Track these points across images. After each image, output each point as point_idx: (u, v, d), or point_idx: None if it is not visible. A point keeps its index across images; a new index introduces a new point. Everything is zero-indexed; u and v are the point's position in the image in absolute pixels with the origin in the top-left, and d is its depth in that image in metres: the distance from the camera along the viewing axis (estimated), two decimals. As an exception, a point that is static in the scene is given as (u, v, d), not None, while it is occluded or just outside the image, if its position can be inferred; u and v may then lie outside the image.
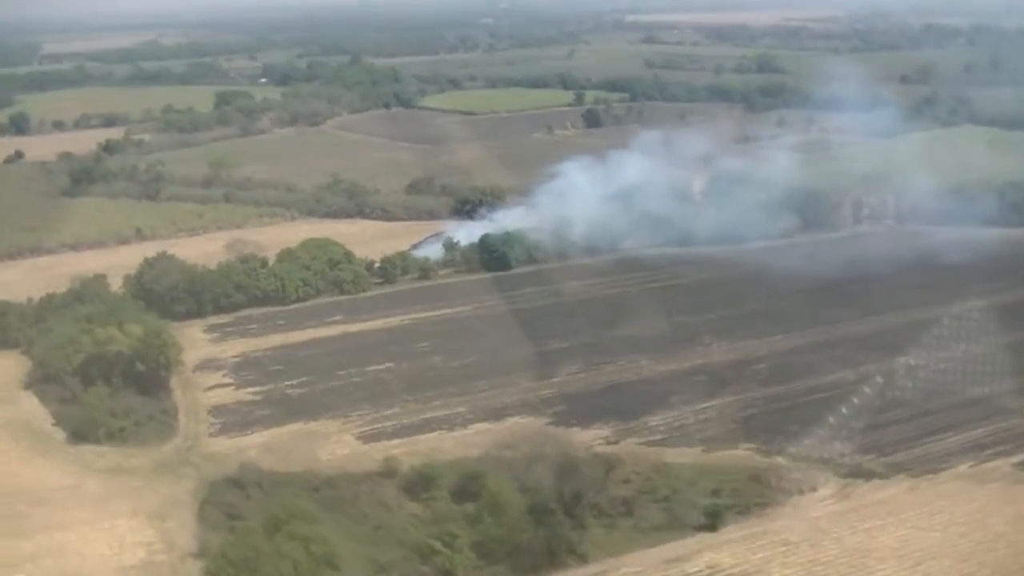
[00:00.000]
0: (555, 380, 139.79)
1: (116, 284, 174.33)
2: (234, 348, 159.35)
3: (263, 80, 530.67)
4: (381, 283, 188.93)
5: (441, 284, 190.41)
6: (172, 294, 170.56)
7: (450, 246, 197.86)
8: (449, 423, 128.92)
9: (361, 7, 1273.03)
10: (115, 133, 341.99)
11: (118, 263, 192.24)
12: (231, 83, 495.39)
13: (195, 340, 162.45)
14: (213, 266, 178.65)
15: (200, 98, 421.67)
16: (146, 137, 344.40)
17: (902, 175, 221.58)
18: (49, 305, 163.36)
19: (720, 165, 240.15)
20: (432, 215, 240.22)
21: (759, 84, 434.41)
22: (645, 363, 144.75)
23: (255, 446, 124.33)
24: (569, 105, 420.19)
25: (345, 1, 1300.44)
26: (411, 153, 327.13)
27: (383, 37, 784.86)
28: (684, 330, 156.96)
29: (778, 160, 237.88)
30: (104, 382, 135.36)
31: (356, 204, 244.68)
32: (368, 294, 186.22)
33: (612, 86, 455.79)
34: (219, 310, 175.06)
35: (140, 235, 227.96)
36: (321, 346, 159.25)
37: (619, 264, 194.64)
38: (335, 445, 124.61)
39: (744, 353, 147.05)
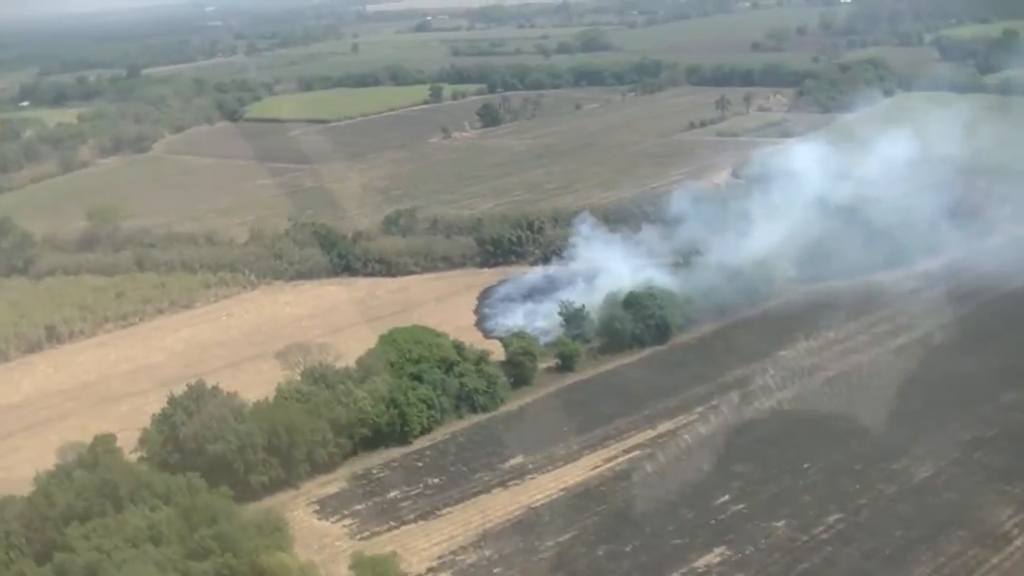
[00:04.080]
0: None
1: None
2: (418, 550, 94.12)
3: (25, 103, 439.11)
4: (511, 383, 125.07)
5: (599, 376, 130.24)
6: (243, 456, 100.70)
7: (572, 315, 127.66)
8: None
9: (59, 20, 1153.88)
10: None
11: (58, 387, 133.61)
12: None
13: (319, 536, 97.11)
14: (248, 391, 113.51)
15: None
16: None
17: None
18: (49, 508, 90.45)
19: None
20: (451, 262, 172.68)
21: (629, 64, 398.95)
22: None
23: None
24: (426, 102, 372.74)
25: (37, 14, 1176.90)
26: (296, 176, 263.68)
27: (130, 48, 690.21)
28: None
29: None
30: None
31: (337, 256, 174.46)
32: (509, 408, 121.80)
33: (453, 77, 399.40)
34: (316, 469, 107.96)
35: (55, 336, 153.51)
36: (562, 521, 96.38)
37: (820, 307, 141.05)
38: None
39: None
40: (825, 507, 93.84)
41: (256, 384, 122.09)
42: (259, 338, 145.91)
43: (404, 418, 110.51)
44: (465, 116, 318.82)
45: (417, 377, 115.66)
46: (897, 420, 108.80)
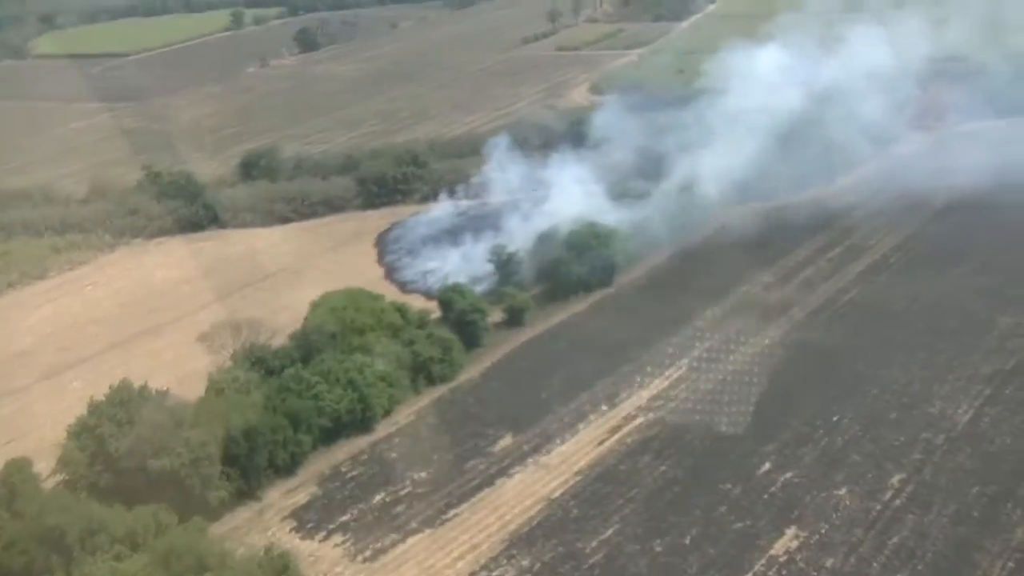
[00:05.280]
0: None
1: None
2: (441, 569, 78.79)
3: None
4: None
5: (554, 329, 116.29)
6: (198, 470, 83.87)
7: (506, 261, 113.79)
8: None
9: None
10: None
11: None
12: None
13: (312, 563, 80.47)
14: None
15: None
16: None
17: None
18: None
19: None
20: (330, 206, 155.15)
21: None
22: None
23: None
24: (228, 30, 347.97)
25: None
26: (114, 117, 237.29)
27: None
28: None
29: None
30: None
31: (202, 208, 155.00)
32: (469, 375, 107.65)
33: (249, 1, 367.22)
34: (276, 474, 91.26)
35: None
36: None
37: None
38: None
39: None
40: (881, 467, 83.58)
41: (158, 370, 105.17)
42: (138, 310, 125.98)
43: (365, 402, 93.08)
44: (277, 42, 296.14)
45: (368, 351, 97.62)
46: (905, 358, 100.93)
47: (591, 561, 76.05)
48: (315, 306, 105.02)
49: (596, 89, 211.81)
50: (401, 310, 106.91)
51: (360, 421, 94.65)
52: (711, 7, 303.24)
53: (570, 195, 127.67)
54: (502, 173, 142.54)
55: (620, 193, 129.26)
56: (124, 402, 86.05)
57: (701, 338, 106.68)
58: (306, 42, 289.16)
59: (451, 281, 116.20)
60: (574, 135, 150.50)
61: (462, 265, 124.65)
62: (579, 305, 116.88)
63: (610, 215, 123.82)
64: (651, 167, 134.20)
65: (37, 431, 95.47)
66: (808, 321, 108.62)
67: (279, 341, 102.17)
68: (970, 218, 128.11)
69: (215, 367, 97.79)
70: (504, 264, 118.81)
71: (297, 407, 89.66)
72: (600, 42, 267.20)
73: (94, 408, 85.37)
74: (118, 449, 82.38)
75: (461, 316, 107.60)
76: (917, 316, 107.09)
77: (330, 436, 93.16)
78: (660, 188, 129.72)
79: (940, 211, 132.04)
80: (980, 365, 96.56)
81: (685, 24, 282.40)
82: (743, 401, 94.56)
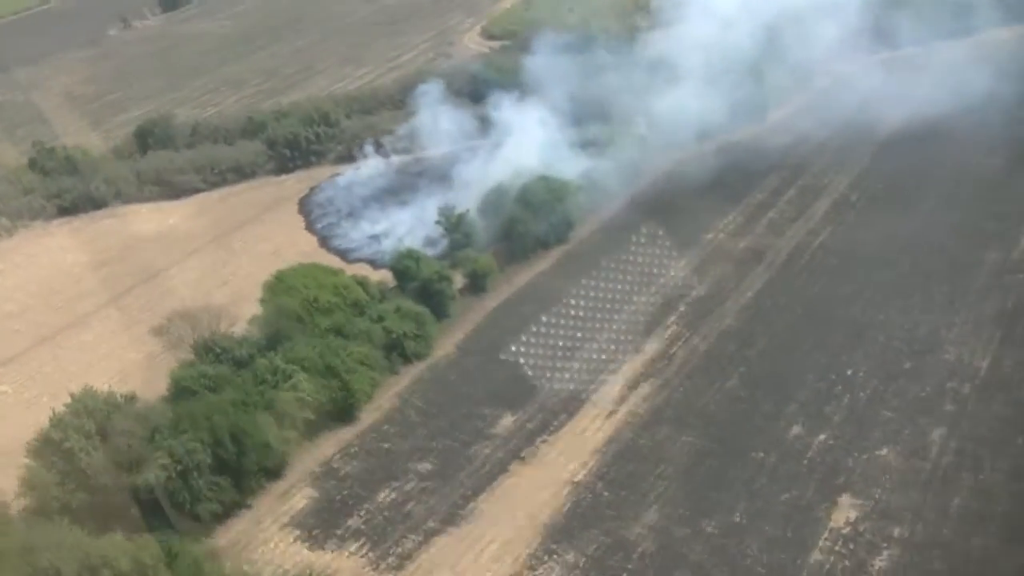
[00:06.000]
0: None
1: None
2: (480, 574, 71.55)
3: None
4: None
5: (521, 294, 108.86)
6: (187, 482, 76.24)
7: (456, 222, 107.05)
8: None
9: None
10: None
11: None
12: None
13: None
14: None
15: None
16: None
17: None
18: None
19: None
20: (241, 172, 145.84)
21: None
22: None
23: None
24: None
25: None
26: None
27: None
28: None
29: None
30: None
31: (103, 183, 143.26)
32: (444, 351, 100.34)
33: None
34: (268, 476, 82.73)
35: None
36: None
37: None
38: None
39: None
40: (916, 422, 78.83)
41: (95, 366, 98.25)
42: (55, 300, 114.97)
43: (347, 389, 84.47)
44: (136, 1, 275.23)
45: (340, 332, 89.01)
46: (902, 303, 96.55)
47: (640, 550, 69.69)
48: (269, 286, 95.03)
49: (488, 33, 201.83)
50: (363, 284, 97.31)
51: (343, 410, 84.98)
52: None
53: (516, 145, 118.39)
54: (434, 124, 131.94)
55: (570, 142, 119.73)
56: (90, 411, 75.36)
57: (681, 293, 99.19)
58: (167, 1, 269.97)
59: (404, 246, 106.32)
60: (502, 83, 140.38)
61: (412, 227, 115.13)
62: (540, 264, 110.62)
63: (561, 165, 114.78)
64: (592, 112, 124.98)
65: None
66: (787, 267, 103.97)
67: (238, 329, 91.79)
68: (917, 150, 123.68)
69: (163, 359, 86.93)
70: (455, 226, 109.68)
71: (279, 401, 79.92)
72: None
73: (56, 421, 74.49)
74: (91, 465, 71.88)
75: (426, 286, 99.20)
76: (899, 257, 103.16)
77: (313, 429, 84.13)
78: (608, 133, 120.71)
79: (885, 144, 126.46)
80: (981, 306, 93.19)
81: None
82: (739, 360, 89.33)
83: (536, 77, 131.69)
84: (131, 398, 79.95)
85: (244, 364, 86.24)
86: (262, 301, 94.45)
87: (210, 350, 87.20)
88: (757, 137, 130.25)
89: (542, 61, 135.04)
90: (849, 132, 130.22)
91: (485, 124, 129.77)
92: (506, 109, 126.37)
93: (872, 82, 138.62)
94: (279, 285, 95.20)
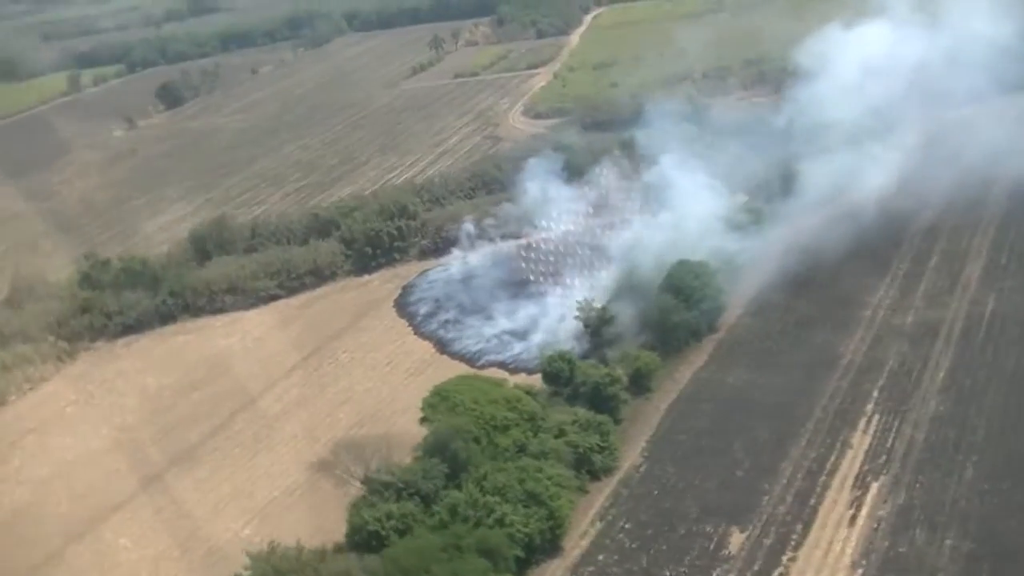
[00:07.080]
0: None
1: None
2: None
3: None
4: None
5: (692, 393, 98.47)
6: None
7: (598, 317, 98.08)
8: None
9: None
10: None
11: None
12: None
13: None
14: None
15: None
16: None
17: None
18: None
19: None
20: (318, 275, 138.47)
21: (279, 19, 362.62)
22: None
23: None
24: (65, 94, 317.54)
25: None
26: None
27: None
28: None
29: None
30: None
31: (169, 296, 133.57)
32: (632, 462, 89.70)
33: (79, 63, 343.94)
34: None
35: None
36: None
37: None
38: None
39: None
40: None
41: (222, 507, 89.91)
42: (149, 432, 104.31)
43: (554, 517, 74.05)
44: (131, 100, 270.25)
45: (522, 451, 79.08)
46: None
47: None
48: (430, 404, 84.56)
49: (533, 112, 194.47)
50: (531, 394, 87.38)
51: (549, 542, 74.61)
52: (588, 17, 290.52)
53: (659, 221, 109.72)
54: (543, 203, 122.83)
55: (736, 222, 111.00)
56: (280, 573, 64.31)
57: (869, 379, 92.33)
58: (170, 97, 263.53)
59: (552, 347, 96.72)
60: (611, 155, 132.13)
61: (548, 325, 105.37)
62: (697, 357, 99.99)
63: (711, 243, 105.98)
64: (739, 184, 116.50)
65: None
66: (967, 341, 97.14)
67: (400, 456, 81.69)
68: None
69: (302, 496, 76.55)
70: (597, 321, 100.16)
71: (490, 540, 69.46)
72: (495, 65, 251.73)
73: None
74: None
75: (597, 390, 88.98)
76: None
77: (521, 567, 73.15)
78: (760, 207, 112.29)
79: (1012, 195, 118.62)
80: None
81: (573, 37, 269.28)
82: (973, 447, 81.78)
83: (650, 146, 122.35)
84: (321, 552, 68.55)
85: (430, 499, 75.18)
86: (425, 421, 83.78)
87: (389, 485, 76.08)
88: (880, 199, 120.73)
89: (656, 130, 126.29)
90: (971, 185, 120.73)
91: (600, 202, 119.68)
92: (628, 185, 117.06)
93: (985, 129, 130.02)
94: (440, 402, 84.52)
